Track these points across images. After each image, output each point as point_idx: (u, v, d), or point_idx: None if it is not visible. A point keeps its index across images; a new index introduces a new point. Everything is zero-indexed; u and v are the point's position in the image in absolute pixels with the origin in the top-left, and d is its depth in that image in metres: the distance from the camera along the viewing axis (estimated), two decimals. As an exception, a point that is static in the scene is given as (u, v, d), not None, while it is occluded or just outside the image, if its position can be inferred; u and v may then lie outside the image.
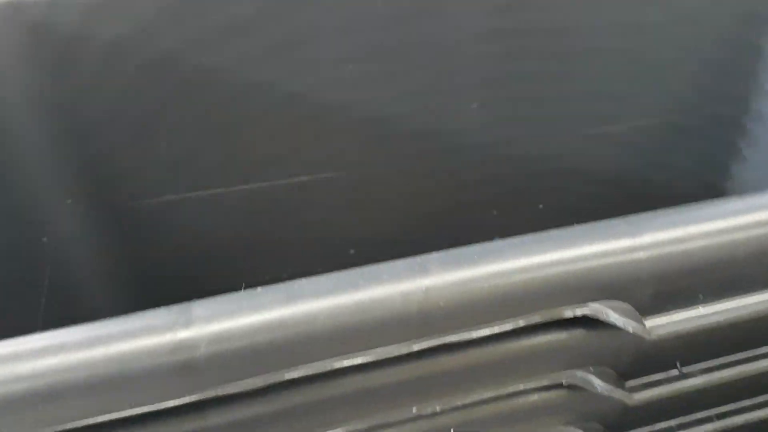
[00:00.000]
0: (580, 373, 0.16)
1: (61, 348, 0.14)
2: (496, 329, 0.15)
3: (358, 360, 0.16)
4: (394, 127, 0.38)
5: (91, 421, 0.15)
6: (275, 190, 0.38)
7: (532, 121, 0.40)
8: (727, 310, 0.15)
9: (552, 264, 0.15)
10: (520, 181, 0.42)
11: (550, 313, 0.15)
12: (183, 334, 0.15)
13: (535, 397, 0.16)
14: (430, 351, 0.16)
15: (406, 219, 0.41)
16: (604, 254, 0.15)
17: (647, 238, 0.15)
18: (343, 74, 0.35)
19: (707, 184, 0.46)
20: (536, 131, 0.40)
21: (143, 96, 0.34)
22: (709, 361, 0.17)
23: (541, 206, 0.43)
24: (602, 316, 0.15)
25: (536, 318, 0.15)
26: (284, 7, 0.33)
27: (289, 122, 0.36)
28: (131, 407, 0.15)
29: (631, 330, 0.15)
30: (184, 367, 0.15)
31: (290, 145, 0.37)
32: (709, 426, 0.17)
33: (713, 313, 0.16)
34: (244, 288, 0.36)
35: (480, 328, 0.15)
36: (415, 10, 0.35)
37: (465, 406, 0.16)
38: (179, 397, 0.15)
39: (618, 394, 0.16)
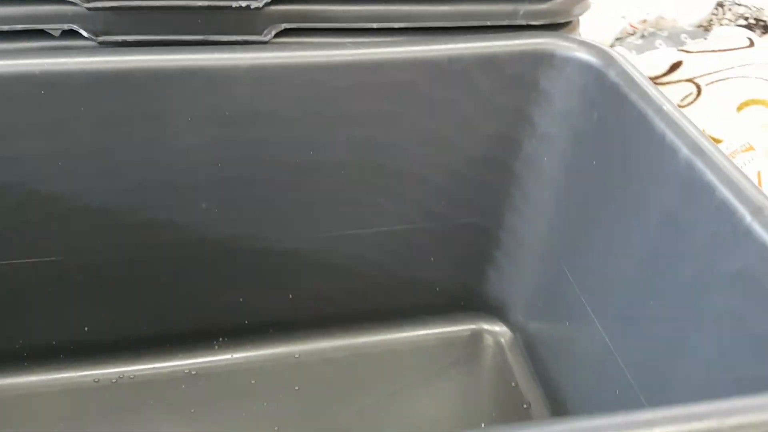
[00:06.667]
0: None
1: None
2: None
3: None
4: (115, 218, 0.38)
5: None
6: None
7: (269, 222, 0.41)
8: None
9: None
10: (263, 273, 0.43)
11: None
12: None
13: None
14: None
15: (141, 302, 0.42)
16: None
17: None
18: (53, 169, 0.36)
19: (466, 287, 0.48)
20: (276, 231, 0.41)
21: None
22: None
23: (290, 296, 0.45)
24: None
25: None
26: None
27: None
28: None
29: None
30: None
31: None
32: None
33: None
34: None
35: None
36: (127, 115, 0.35)
37: None
38: None
39: None
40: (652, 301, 0.32)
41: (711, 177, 0.28)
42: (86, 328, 0.41)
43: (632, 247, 0.34)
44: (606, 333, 0.36)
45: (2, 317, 0.40)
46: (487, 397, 0.44)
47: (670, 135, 0.31)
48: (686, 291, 0.30)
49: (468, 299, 0.48)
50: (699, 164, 0.29)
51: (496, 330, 0.47)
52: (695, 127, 0.31)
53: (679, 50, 0.55)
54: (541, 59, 0.39)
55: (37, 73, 0.33)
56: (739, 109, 0.50)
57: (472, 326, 0.47)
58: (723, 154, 0.29)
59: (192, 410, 0.41)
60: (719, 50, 0.55)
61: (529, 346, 0.46)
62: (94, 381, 0.42)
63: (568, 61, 0.39)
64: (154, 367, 0.43)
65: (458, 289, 0.47)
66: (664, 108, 0.33)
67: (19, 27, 0.34)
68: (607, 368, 0.36)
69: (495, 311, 0.47)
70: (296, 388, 0.43)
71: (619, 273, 0.36)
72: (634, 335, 0.34)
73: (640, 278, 0.34)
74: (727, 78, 0.52)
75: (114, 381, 0.42)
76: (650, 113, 0.33)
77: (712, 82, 0.52)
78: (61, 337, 0.41)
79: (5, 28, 0.34)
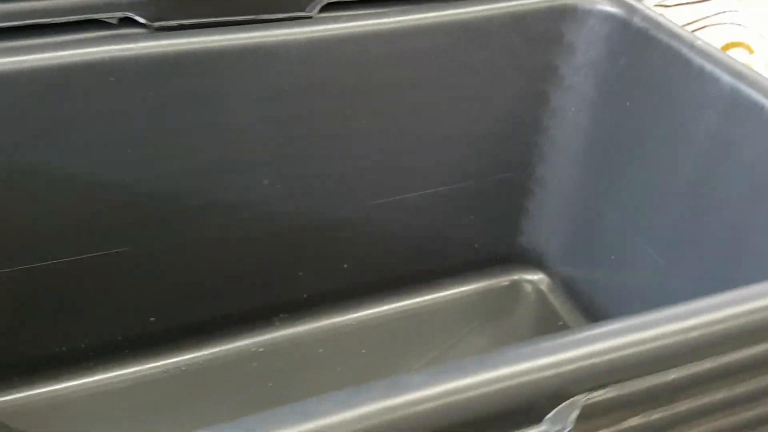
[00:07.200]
0: None
1: None
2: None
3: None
4: (183, 203, 0.39)
5: None
6: (62, 268, 0.38)
7: (325, 193, 0.42)
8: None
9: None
10: (321, 245, 0.44)
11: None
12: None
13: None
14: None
15: (207, 286, 0.42)
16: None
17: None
18: (119, 156, 0.36)
19: (504, 240, 0.50)
20: (332, 202, 0.43)
21: None
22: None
23: (345, 266, 0.46)
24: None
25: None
26: (47, 96, 0.33)
27: (66, 202, 0.36)
28: None
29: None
30: None
31: (70, 224, 0.37)
32: None
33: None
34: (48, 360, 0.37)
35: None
36: (189, 97, 0.36)
37: None
38: None
39: None
40: (707, 217, 0.36)
41: (758, 96, 0.32)
42: (152, 319, 0.41)
43: (679, 172, 0.37)
44: (659, 255, 0.39)
45: (67, 319, 0.39)
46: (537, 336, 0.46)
47: (709, 66, 0.35)
48: (743, 200, 0.33)
49: (504, 253, 0.50)
50: (743, 87, 0.33)
51: (534, 278, 0.50)
52: (728, 56, 0.35)
53: (656, 6, 0.60)
54: (565, 13, 0.41)
55: (107, 60, 0.33)
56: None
57: (513, 277, 0.49)
58: (763, 76, 0.32)
59: (270, 384, 0.41)
60: (693, 2, 0.59)
61: (569, 288, 0.48)
62: (163, 372, 0.42)
63: (591, 13, 0.41)
64: (220, 350, 0.43)
65: (494, 244, 0.49)
66: (697, 43, 0.36)
67: (75, 18, 0.34)
68: (664, 286, 0.39)
69: (530, 261, 0.50)
70: (363, 351, 0.44)
71: (667, 199, 0.38)
72: (691, 251, 0.37)
73: (691, 199, 0.37)
74: (706, 26, 0.57)
75: (184, 369, 0.42)
76: (684, 50, 0.36)
77: (694, 30, 0.56)
78: (127, 332, 0.41)
79: (62, 19, 0.34)
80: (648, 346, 0.19)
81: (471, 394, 0.17)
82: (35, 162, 0.34)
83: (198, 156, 0.38)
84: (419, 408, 0.18)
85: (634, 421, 0.20)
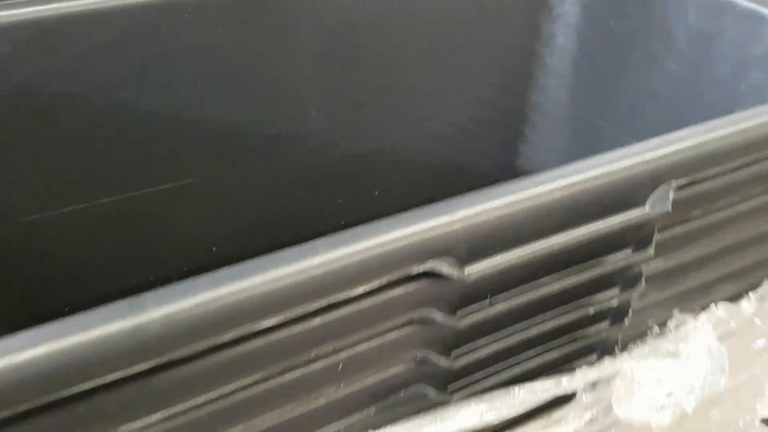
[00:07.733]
0: (425, 311, 0.23)
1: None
2: (368, 287, 0.21)
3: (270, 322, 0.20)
4: (242, 136, 0.42)
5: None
6: (134, 201, 0.40)
7: (363, 123, 0.46)
8: (515, 257, 0.23)
9: (403, 237, 0.21)
10: (357, 173, 0.48)
11: (403, 271, 0.21)
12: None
13: (394, 334, 0.23)
14: (320, 310, 0.21)
15: (260, 216, 0.46)
16: (434, 228, 0.21)
17: (459, 215, 0.21)
18: (191, 92, 0.39)
19: (504, 164, 0.56)
20: (367, 131, 0.47)
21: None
22: (508, 293, 0.24)
23: (376, 192, 0.50)
24: (437, 269, 0.21)
25: (395, 275, 0.21)
26: (130, 38, 0.36)
27: (144, 139, 0.39)
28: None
29: (456, 276, 0.22)
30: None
31: (147, 158, 0.40)
32: (515, 337, 0.25)
33: (506, 260, 0.23)
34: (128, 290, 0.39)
35: (356, 288, 0.21)
36: (252, 35, 0.39)
37: (348, 346, 0.22)
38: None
39: (451, 322, 0.23)
40: (696, 103, 0.42)
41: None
42: (213, 248, 0.44)
43: (667, 72, 0.44)
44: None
45: (138, 252, 0.41)
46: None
47: (686, -22, 0.41)
48: (726, 82, 0.40)
49: (504, 176, 0.55)
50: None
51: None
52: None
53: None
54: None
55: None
56: None
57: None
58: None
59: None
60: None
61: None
62: (224, 299, 0.45)
63: (574, -51, 0.47)
64: (274, 277, 0.46)
65: (499, 168, 0.55)
66: (672, -40, 0.42)
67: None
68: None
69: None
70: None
71: (659, 98, 0.45)
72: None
73: (680, 91, 0.43)
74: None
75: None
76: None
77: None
78: (191, 263, 0.43)
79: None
80: (721, 142, 0.25)
81: (594, 183, 0.22)
82: (124, 99, 0.37)
83: (259, 91, 0.41)
84: (552, 197, 0.22)
85: (707, 217, 0.25)
